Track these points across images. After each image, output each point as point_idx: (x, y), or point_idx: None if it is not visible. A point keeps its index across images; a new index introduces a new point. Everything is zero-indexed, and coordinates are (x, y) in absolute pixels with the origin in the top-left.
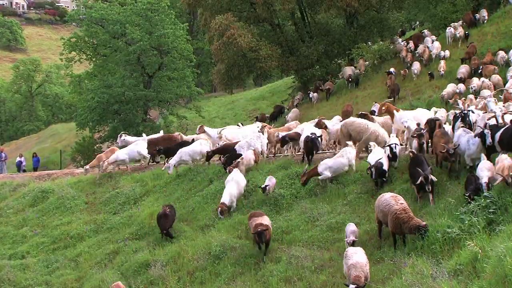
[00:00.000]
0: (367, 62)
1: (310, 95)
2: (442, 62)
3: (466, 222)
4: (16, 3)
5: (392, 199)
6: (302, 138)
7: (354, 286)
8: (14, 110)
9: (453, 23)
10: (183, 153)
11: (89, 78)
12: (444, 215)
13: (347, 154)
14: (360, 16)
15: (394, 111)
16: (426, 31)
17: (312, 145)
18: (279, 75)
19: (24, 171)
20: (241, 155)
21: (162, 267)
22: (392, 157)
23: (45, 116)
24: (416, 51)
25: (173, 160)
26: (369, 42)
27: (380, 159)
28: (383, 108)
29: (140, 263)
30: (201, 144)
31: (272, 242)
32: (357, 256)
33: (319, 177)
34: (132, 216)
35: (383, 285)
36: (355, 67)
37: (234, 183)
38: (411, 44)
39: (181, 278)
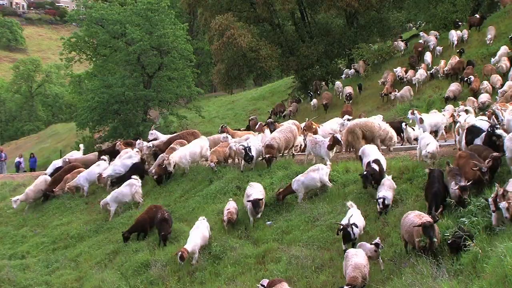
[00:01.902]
0: (369, 65)
1: (312, 104)
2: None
3: (466, 222)
4: (16, 3)
5: (416, 218)
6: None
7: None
8: (14, 110)
9: (458, 31)
10: (116, 195)
11: (89, 78)
12: (444, 215)
13: (320, 171)
14: (360, 16)
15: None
16: (433, 38)
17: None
18: (279, 75)
19: (25, 171)
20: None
21: (162, 267)
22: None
23: (45, 116)
24: (405, 76)
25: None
26: (370, 44)
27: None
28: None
29: (140, 263)
30: (130, 185)
31: (272, 242)
32: (356, 258)
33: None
34: (132, 216)
35: (383, 285)
36: (355, 70)
37: (199, 232)
38: (400, 72)
39: (181, 278)
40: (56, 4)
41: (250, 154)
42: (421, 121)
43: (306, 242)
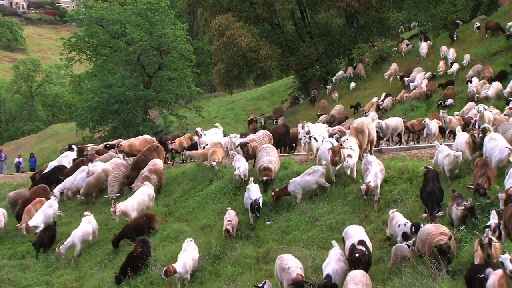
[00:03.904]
0: (368, 62)
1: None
2: (441, 63)
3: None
4: (16, 3)
5: (433, 228)
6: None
7: None
8: (14, 110)
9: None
10: (76, 237)
11: (89, 78)
12: (444, 216)
13: (315, 173)
14: (360, 16)
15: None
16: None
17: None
18: (279, 75)
19: (24, 171)
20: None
21: (162, 267)
22: None
23: (45, 116)
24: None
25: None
26: (370, 44)
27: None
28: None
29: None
30: (90, 221)
31: (272, 242)
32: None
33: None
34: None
35: (383, 285)
36: (352, 75)
37: (189, 254)
38: (377, 100)
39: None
40: (56, 4)
41: (259, 207)
42: (308, 133)
43: (306, 242)
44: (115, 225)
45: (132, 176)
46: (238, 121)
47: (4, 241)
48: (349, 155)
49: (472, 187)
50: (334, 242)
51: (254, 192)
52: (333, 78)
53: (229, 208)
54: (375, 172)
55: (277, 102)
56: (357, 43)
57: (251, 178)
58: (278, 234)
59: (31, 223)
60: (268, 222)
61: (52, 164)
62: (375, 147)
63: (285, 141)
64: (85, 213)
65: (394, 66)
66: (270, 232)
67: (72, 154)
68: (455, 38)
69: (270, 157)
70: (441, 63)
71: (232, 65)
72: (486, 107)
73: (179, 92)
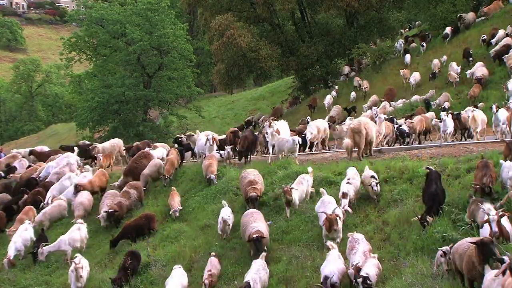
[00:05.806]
0: (368, 62)
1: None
2: (436, 61)
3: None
4: (16, 3)
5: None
6: None
7: None
8: (14, 110)
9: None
10: (62, 241)
11: (89, 78)
12: (443, 216)
13: (305, 182)
14: (360, 16)
15: None
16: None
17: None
18: (279, 75)
19: None
20: None
21: (162, 267)
22: None
23: (45, 116)
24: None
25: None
26: (370, 44)
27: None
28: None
29: (140, 263)
30: (80, 229)
31: (272, 242)
32: None
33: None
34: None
35: (383, 285)
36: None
37: (177, 282)
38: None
39: None
40: (56, 4)
41: None
42: (278, 132)
43: (306, 242)
44: (114, 225)
45: (126, 182)
46: (238, 121)
47: (4, 241)
48: (344, 195)
49: (478, 186)
50: (330, 244)
51: (253, 270)
52: (325, 103)
53: (213, 254)
54: (363, 250)
55: (277, 102)
56: (357, 43)
57: (263, 254)
58: (278, 234)
59: (11, 254)
60: (268, 222)
61: (51, 165)
62: (375, 147)
63: (255, 147)
64: (78, 220)
65: (373, 98)
66: (270, 232)
67: (73, 155)
68: (471, 59)
69: (258, 223)
70: (436, 61)
71: (232, 65)
72: (474, 108)
73: (179, 92)
